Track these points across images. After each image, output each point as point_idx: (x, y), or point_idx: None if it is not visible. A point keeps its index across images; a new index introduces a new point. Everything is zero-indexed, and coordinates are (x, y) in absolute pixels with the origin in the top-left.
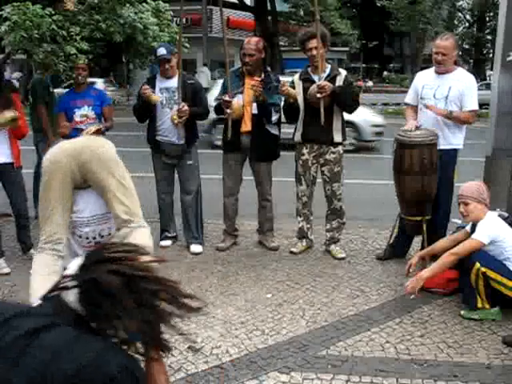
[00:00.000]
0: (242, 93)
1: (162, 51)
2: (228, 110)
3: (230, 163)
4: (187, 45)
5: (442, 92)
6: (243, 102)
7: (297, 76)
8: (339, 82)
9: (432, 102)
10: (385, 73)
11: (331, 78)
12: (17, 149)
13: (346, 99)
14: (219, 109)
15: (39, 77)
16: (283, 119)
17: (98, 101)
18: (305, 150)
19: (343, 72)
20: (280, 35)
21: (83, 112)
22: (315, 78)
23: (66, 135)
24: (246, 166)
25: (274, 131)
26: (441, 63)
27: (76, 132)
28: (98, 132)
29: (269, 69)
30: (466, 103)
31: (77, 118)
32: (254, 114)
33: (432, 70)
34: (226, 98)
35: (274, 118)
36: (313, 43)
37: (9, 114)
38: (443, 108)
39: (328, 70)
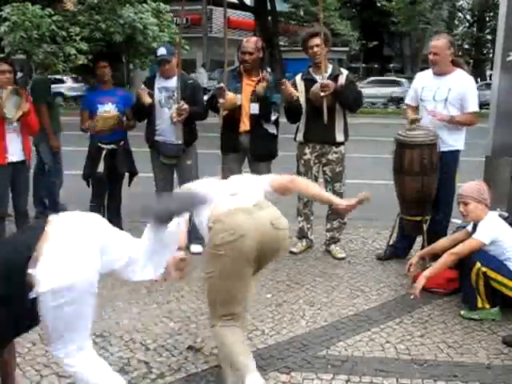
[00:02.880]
0: (240, 93)
1: (161, 51)
2: (220, 100)
3: (228, 164)
4: (187, 47)
5: (442, 94)
6: (241, 102)
7: (299, 76)
8: (341, 81)
9: (432, 103)
10: (387, 77)
11: (333, 78)
12: (28, 145)
13: (349, 97)
14: (211, 102)
15: (40, 76)
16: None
17: (122, 100)
18: (307, 150)
19: (345, 72)
20: (280, 35)
21: (106, 108)
22: (317, 78)
23: (88, 131)
24: (245, 166)
25: (273, 130)
26: (434, 63)
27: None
28: (118, 123)
29: (268, 69)
30: (467, 105)
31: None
32: (253, 114)
33: (431, 70)
34: (221, 84)
35: (273, 117)
36: (315, 41)
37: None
38: (442, 110)
39: (330, 70)
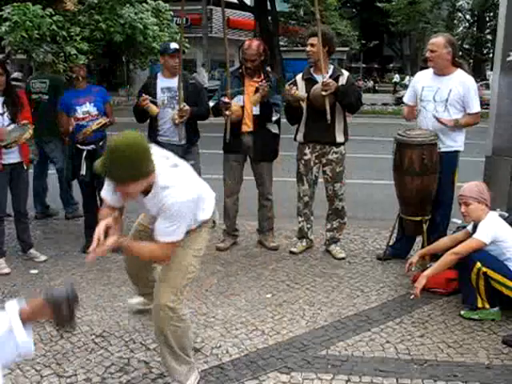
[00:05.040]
0: (242, 94)
1: (174, 45)
2: (227, 112)
3: (230, 163)
4: (187, 45)
5: (442, 95)
6: (243, 103)
7: (299, 76)
8: (342, 82)
9: (432, 104)
10: (393, 80)
11: (334, 79)
12: (26, 148)
13: (350, 98)
14: (216, 110)
15: (58, 76)
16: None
17: (99, 97)
18: (307, 150)
19: (346, 73)
20: (280, 35)
21: (85, 109)
22: (318, 78)
23: (69, 133)
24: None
25: (275, 130)
26: (431, 60)
27: (79, 128)
28: (104, 125)
29: (268, 69)
30: (469, 106)
31: (79, 115)
32: (255, 115)
33: (431, 70)
34: (226, 99)
35: (275, 118)
36: (312, 40)
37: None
38: (443, 111)
39: (331, 71)
